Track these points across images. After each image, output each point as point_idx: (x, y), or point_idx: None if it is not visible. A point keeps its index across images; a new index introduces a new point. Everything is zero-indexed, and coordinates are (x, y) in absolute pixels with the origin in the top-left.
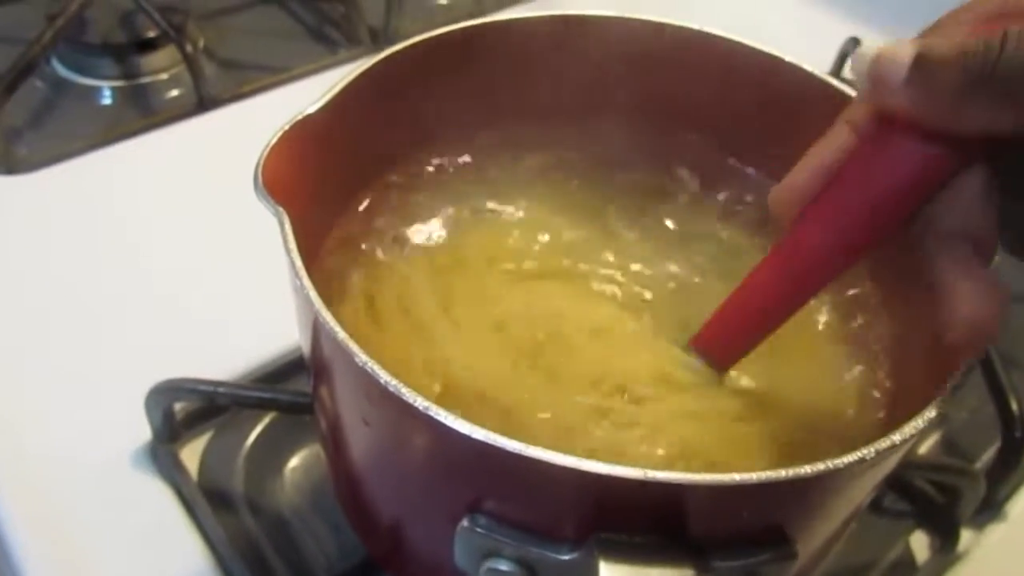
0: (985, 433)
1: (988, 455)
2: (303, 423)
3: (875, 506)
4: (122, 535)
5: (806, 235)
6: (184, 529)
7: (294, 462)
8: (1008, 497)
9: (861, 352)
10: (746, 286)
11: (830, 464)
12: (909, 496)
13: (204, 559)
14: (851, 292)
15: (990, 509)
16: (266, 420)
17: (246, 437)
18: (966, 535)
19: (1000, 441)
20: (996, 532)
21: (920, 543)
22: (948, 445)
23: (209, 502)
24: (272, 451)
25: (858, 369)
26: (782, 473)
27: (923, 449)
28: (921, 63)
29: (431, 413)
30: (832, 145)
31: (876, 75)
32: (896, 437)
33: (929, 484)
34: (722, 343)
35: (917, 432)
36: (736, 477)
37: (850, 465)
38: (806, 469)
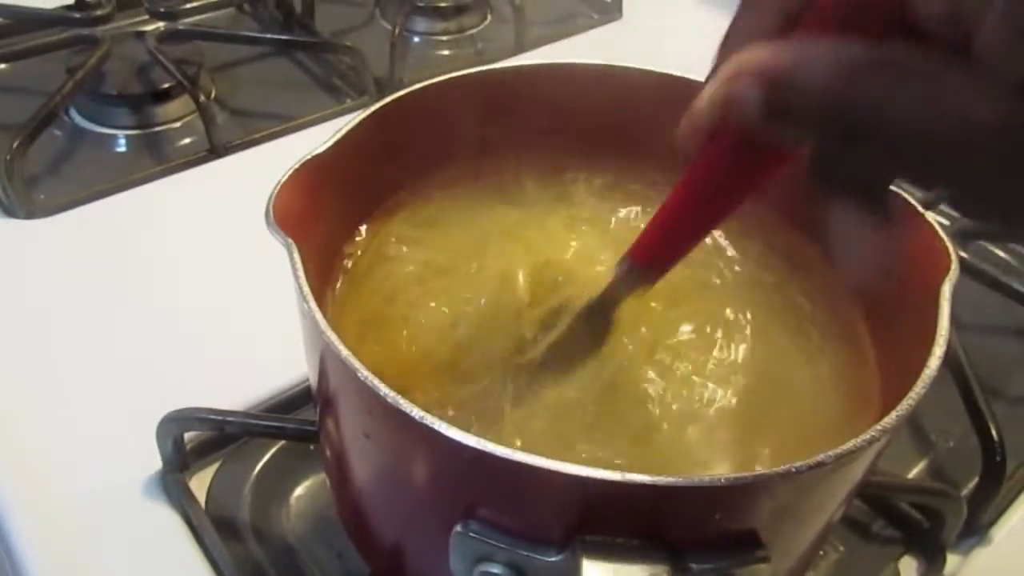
0: (971, 461)
1: (973, 483)
2: (308, 454)
3: (864, 532)
4: (133, 562)
5: (693, 176)
6: (193, 556)
7: (299, 491)
8: (993, 522)
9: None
10: (668, 204)
11: (792, 467)
12: (896, 521)
13: None
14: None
15: (975, 534)
16: (272, 450)
17: (253, 467)
18: (953, 560)
19: (982, 467)
20: (981, 556)
21: (908, 568)
22: (935, 473)
23: (217, 530)
24: (278, 481)
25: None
26: (747, 475)
27: (909, 477)
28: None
29: (426, 422)
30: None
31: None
32: (856, 441)
33: (914, 508)
34: (651, 256)
35: (877, 438)
36: (706, 478)
37: (812, 467)
38: (771, 471)
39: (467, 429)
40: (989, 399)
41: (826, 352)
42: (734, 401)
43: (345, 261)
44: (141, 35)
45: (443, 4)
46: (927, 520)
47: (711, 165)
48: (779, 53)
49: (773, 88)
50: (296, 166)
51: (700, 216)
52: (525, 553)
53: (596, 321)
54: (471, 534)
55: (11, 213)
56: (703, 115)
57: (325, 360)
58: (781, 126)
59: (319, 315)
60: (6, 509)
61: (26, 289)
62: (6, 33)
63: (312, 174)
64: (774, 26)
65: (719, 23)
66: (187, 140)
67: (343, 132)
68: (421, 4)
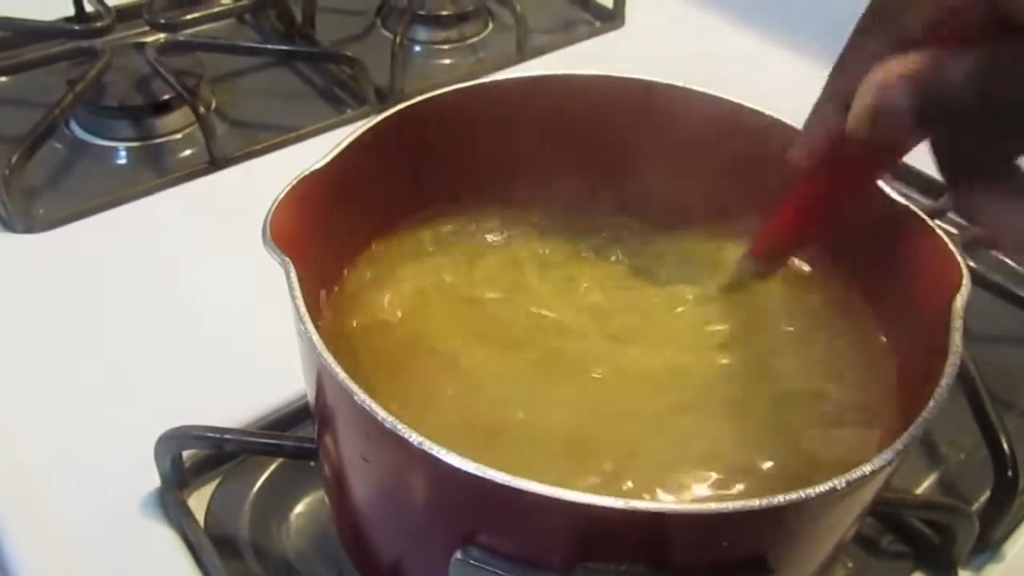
0: (982, 475)
1: (985, 497)
2: (307, 471)
3: (873, 547)
4: None
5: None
6: (191, 575)
7: (299, 508)
8: (1005, 537)
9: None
10: (792, 197)
11: (802, 493)
12: (907, 537)
13: None
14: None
15: (987, 550)
16: (271, 468)
17: (252, 484)
18: None
19: (993, 481)
20: (994, 573)
21: None
22: (945, 487)
23: (216, 548)
24: (277, 498)
25: None
26: (755, 502)
27: (919, 491)
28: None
29: (424, 448)
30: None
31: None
32: (867, 468)
33: (924, 524)
34: (772, 247)
35: (889, 462)
36: (711, 506)
37: (822, 494)
38: (779, 498)
39: None
40: (1000, 411)
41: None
42: (751, 412)
43: (345, 276)
44: (141, 47)
45: (444, 13)
46: (938, 536)
47: (832, 175)
48: (922, 60)
49: (926, 90)
50: (293, 183)
51: (820, 217)
52: None
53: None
54: (471, 561)
55: (10, 227)
56: (858, 125)
57: (322, 381)
58: (931, 124)
59: (316, 336)
60: (4, 527)
61: (25, 304)
62: (6, 46)
63: (310, 190)
64: (888, 50)
65: (721, 31)
66: (188, 152)
67: (342, 146)
68: (422, 13)
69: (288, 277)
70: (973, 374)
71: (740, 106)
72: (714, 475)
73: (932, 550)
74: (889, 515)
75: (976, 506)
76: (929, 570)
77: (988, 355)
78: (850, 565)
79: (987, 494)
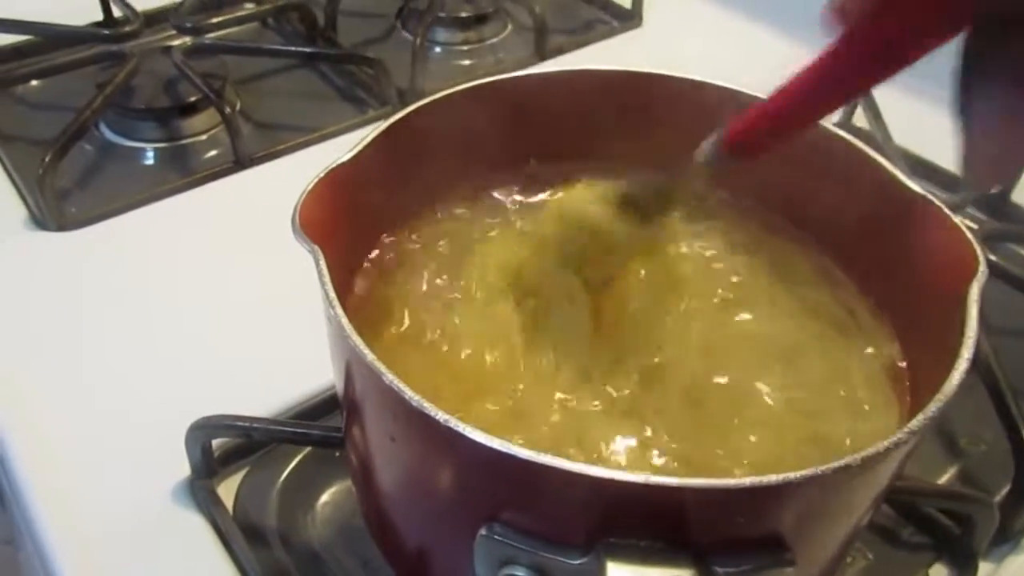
0: (1003, 468)
1: (1006, 490)
2: (332, 462)
3: (893, 539)
4: (162, 567)
5: (845, 47)
6: (221, 562)
7: (325, 498)
8: None
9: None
10: (787, 85)
11: (818, 470)
12: (927, 528)
13: None
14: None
15: (1008, 541)
16: (298, 458)
17: (279, 475)
18: (985, 568)
19: (1014, 473)
20: (1015, 564)
21: None
22: (965, 480)
23: (245, 536)
24: (304, 488)
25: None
26: (771, 478)
27: (940, 483)
28: None
29: (450, 425)
30: None
31: None
32: (882, 445)
33: (944, 515)
34: (752, 135)
35: (904, 440)
36: (728, 481)
37: (838, 471)
38: (795, 475)
39: None
40: (1020, 403)
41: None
42: (769, 403)
43: (368, 268)
44: (168, 50)
45: (463, 15)
46: (958, 527)
47: (868, 35)
48: None
49: None
50: (321, 174)
51: (831, 94)
52: (549, 556)
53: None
54: (495, 537)
55: (43, 226)
56: None
57: (350, 364)
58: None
59: (345, 320)
60: (38, 517)
61: (57, 299)
62: (37, 51)
63: (337, 182)
64: None
65: (738, 29)
66: (213, 152)
67: (367, 140)
68: (442, 15)
69: (317, 264)
70: (993, 367)
71: None
72: None
73: (952, 541)
74: (909, 506)
75: (996, 498)
76: (949, 561)
77: (1008, 348)
78: (870, 556)
79: (1007, 487)
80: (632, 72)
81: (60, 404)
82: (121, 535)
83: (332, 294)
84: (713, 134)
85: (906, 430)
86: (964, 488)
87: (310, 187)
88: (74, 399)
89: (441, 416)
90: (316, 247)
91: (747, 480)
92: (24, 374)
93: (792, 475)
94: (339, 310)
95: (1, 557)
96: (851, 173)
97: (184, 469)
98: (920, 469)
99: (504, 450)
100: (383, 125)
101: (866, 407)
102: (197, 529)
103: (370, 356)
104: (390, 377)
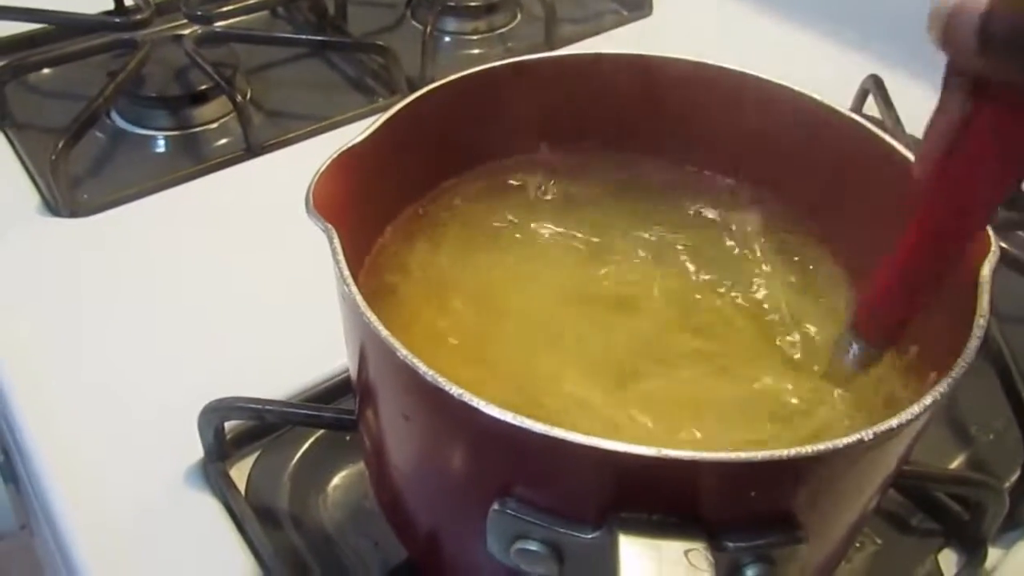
0: (1012, 455)
1: (1016, 476)
2: (343, 445)
3: (902, 524)
4: (176, 549)
5: (943, 195)
6: (234, 544)
7: (336, 480)
8: None
9: None
10: (898, 253)
11: (830, 444)
12: (936, 514)
13: (252, 573)
14: None
15: (1017, 527)
16: (309, 441)
17: (291, 457)
18: (994, 554)
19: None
20: (1023, 551)
21: (948, 561)
22: (975, 467)
23: (257, 518)
24: (316, 470)
25: None
26: (783, 452)
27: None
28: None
29: (464, 399)
30: (945, 111)
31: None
32: (894, 421)
33: (953, 500)
34: (884, 316)
35: (916, 416)
36: (740, 454)
37: (850, 446)
38: (807, 449)
39: None
40: None
41: None
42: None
43: (379, 245)
44: (179, 39)
45: (473, 3)
46: (967, 512)
47: (962, 171)
48: None
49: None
50: (335, 155)
51: (943, 248)
52: (562, 530)
53: None
54: (508, 512)
55: (56, 212)
56: (931, 24)
57: (364, 341)
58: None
59: (359, 297)
60: (54, 499)
61: (71, 284)
62: (49, 39)
63: (351, 164)
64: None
65: (748, 18)
66: (224, 140)
67: (380, 122)
68: (452, 4)
69: (331, 242)
70: (1005, 355)
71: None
72: None
73: (961, 527)
74: (919, 491)
75: (1006, 485)
76: (958, 547)
77: (1020, 336)
78: (879, 541)
79: (1017, 473)
80: (644, 56)
81: (74, 388)
82: (135, 518)
83: (347, 272)
84: (843, 335)
85: (918, 406)
86: (975, 473)
87: (324, 167)
88: (88, 383)
89: (455, 391)
90: (330, 226)
91: (759, 453)
92: (38, 358)
93: (804, 449)
94: (353, 288)
95: (17, 542)
96: (869, 163)
97: (197, 452)
98: (930, 455)
99: (519, 424)
100: (397, 106)
101: None
102: (210, 511)
103: (384, 332)
104: (404, 352)
